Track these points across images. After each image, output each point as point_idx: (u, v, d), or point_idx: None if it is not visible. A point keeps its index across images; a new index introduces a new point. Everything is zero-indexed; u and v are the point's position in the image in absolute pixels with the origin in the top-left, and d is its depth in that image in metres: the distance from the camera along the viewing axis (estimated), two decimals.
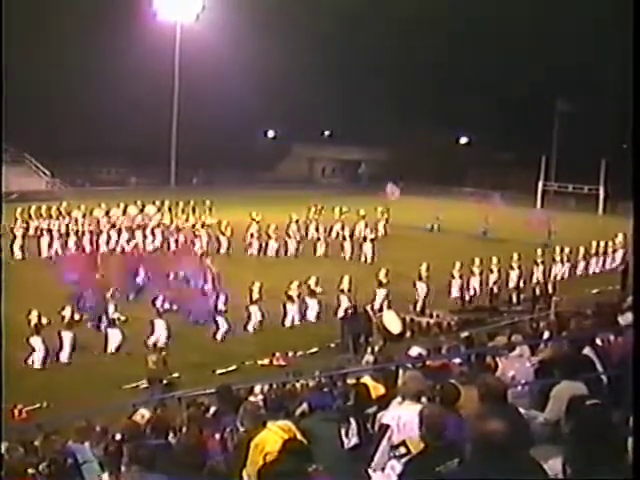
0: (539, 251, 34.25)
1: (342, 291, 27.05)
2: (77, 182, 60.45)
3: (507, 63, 69.38)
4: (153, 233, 38.66)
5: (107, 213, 39.36)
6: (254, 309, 25.51)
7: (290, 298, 26.35)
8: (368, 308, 25.05)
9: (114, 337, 22.77)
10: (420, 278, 29.16)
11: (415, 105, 72.70)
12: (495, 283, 31.26)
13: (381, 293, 28.04)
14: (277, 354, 22.68)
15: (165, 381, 19.49)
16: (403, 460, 5.55)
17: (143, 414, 12.64)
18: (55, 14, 61.24)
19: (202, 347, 23.66)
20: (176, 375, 20.23)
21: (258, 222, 39.49)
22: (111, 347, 22.63)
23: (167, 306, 24.92)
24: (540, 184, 70.57)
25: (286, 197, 53.28)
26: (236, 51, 61.85)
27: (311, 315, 26.91)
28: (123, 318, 23.74)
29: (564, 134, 73.73)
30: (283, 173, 79.78)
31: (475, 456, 3.99)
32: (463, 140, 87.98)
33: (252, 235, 38.57)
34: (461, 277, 30.82)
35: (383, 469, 5.78)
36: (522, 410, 6.29)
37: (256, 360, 22.27)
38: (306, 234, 40.35)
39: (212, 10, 64.47)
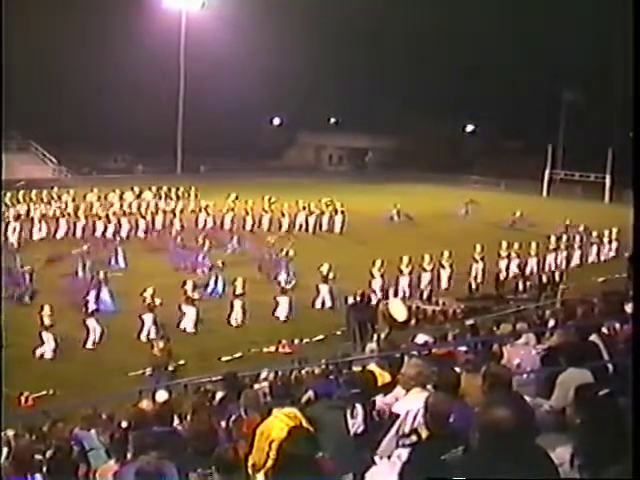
0: (545, 239, 34.40)
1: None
2: (84, 170, 60.39)
3: (514, 51, 69.09)
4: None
5: (121, 197, 42.58)
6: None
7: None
8: (373, 296, 25.08)
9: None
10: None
11: (422, 93, 72.45)
12: (501, 271, 31.28)
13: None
14: (283, 341, 22.73)
15: (171, 368, 19.58)
16: (409, 448, 5.56)
17: (159, 396, 12.68)
18: (61, 0, 61.15)
19: (206, 334, 23.75)
20: (182, 362, 20.32)
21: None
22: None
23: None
24: (547, 172, 70.40)
25: (293, 185, 53.28)
26: (242, 39, 61.71)
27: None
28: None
29: (571, 122, 73.50)
30: (290, 161, 79.67)
31: (480, 444, 3.98)
32: (469, 128, 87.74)
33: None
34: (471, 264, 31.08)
35: (389, 457, 5.79)
36: (528, 398, 6.29)
37: (262, 347, 22.34)
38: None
39: None
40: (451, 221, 46.65)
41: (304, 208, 42.16)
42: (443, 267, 30.21)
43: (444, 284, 30.06)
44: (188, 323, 23.96)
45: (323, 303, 27.11)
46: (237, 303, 25.01)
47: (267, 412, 7.07)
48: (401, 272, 28.59)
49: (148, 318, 22.91)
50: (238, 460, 6.59)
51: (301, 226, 41.70)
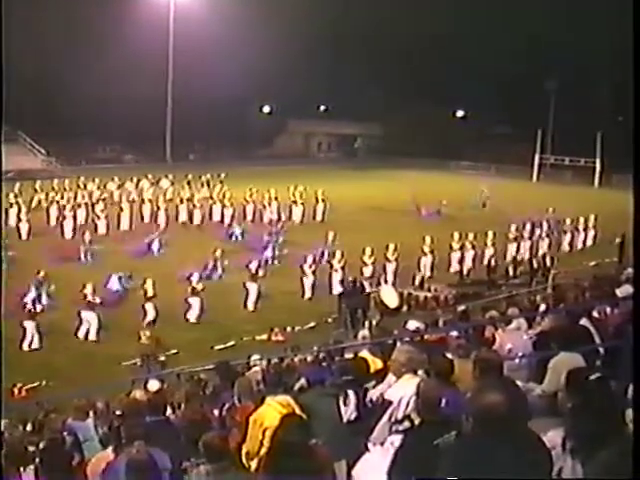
0: (537, 224, 34.45)
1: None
2: (73, 160, 60.13)
3: (503, 36, 68.98)
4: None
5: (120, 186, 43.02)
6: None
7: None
8: (366, 283, 25.09)
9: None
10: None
11: (411, 79, 72.37)
12: (492, 256, 31.30)
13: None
14: (275, 329, 22.74)
15: (162, 357, 19.56)
16: (402, 434, 5.57)
17: (151, 386, 12.67)
18: None
19: (199, 323, 23.76)
20: (174, 351, 20.31)
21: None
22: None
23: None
24: (537, 157, 70.49)
25: (283, 172, 53.23)
26: (231, 27, 61.40)
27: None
28: None
29: (561, 107, 73.57)
30: (279, 149, 79.66)
31: (473, 429, 4.00)
32: (459, 114, 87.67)
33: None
34: (461, 249, 31.08)
35: (382, 443, 5.81)
36: (520, 383, 6.32)
37: (254, 336, 22.34)
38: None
39: None
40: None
41: (276, 198, 41.22)
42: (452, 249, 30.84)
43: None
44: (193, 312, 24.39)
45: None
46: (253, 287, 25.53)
47: (260, 400, 7.08)
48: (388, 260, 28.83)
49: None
50: (226, 447, 6.59)
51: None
